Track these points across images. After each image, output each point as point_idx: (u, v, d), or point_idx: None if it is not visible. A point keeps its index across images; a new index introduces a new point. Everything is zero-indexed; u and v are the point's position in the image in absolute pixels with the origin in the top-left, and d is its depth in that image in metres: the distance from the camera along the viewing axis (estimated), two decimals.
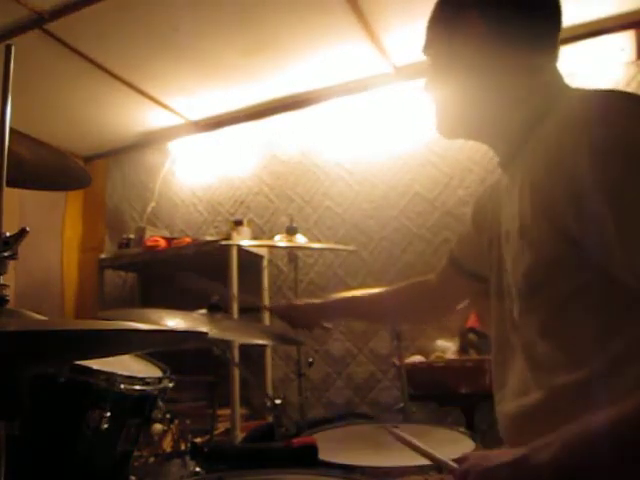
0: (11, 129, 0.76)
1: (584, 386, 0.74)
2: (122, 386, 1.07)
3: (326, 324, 1.55)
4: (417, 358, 2.41)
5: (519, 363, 0.87)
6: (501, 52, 0.88)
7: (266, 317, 2.89)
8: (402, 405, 1.90)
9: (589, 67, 2.50)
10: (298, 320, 1.50)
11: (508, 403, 0.88)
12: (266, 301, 2.96)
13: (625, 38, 2.44)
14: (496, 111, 0.89)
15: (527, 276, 0.81)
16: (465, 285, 1.19)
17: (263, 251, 3.03)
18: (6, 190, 0.75)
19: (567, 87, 0.87)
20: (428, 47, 0.98)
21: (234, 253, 2.72)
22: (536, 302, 0.81)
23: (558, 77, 0.88)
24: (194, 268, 2.47)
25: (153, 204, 3.48)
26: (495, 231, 0.97)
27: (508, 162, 0.91)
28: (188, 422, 1.37)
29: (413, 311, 1.40)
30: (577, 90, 0.84)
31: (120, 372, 1.08)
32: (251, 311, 1.67)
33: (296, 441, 1.18)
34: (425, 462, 0.91)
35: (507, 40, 0.88)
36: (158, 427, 1.32)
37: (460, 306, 1.31)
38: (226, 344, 2.18)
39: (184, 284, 1.71)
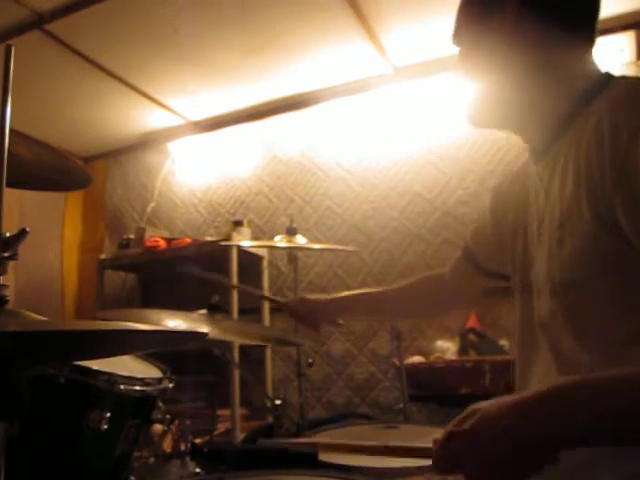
0: (11, 129, 0.76)
1: None
2: (122, 387, 1.07)
3: (339, 320, 1.49)
4: (417, 358, 2.42)
5: (545, 363, 0.83)
6: (542, 35, 0.84)
7: (266, 317, 2.90)
8: (402, 405, 1.90)
9: None
10: (308, 315, 1.44)
11: None
12: (266, 302, 2.96)
13: (625, 38, 2.44)
14: (537, 98, 0.85)
15: (564, 270, 0.77)
16: (480, 281, 1.15)
17: (263, 252, 3.03)
18: (6, 190, 0.74)
19: (607, 72, 0.83)
20: (463, 32, 0.92)
21: (234, 254, 2.72)
22: (570, 299, 0.76)
23: (595, 63, 0.85)
24: None
25: (153, 204, 3.48)
26: (521, 223, 0.93)
27: (543, 151, 0.87)
28: (188, 422, 1.37)
29: (427, 306, 1.35)
30: (621, 77, 0.80)
31: (120, 372, 1.07)
32: (251, 296, 1.65)
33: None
34: (426, 463, 0.91)
35: (548, 23, 0.84)
36: (158, 427, 1.33)
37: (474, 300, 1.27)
38: (226, 345, 2.18)
39: (184, 273, 1.71)
